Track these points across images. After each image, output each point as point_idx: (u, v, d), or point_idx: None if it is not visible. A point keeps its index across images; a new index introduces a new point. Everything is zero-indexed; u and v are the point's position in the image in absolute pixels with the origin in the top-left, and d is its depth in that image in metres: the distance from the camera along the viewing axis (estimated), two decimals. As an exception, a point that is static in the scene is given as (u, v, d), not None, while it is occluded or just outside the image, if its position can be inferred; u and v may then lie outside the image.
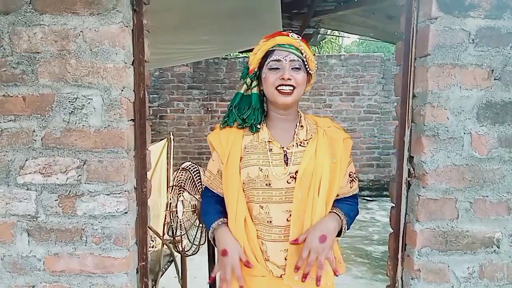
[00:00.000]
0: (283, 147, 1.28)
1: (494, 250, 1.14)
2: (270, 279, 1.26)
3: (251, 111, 1.30)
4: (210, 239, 1.34)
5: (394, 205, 1.23)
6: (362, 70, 6.32)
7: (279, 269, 1.25)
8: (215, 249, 2.15)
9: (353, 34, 5.17)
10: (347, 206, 1.31)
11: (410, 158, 1.17)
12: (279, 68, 1.24)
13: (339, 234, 1.28)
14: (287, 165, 1.25)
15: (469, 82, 1.09)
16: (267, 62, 1.26)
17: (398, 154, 1.20)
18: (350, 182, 1.35)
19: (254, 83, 1.32)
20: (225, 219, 1.30)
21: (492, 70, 1.09)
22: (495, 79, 1.09)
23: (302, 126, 1.32)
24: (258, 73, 1.31)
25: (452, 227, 1.13)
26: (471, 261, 1.15)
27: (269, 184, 1.24)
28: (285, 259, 1.24)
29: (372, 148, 6.44)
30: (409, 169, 1.17)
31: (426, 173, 1.11)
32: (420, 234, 1.14)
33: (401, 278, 1.21)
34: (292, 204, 1.23)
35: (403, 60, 1.16)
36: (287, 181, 1.24)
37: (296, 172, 1.24)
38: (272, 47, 1.26)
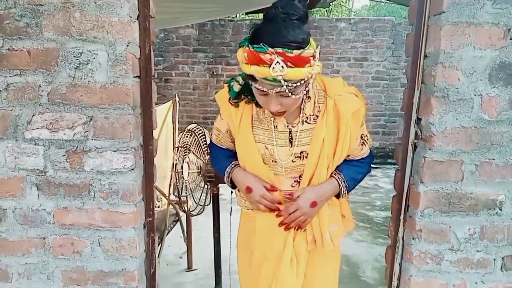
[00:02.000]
0: (288, 125, 1.25)
1: (496, 212, 1.15)
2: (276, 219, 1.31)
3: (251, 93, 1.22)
4: (226, 183, 1.40)
5: (399, 167, 1.23)
6: (372, 35, 6.15)
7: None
8: (219, 209, 2.20)
9: (364, -4, 4.98)
10: (353, 169, 1.32)
11: (418, 120, 1.16)
12: (267, 94, 1.09)
13: (338, 196, 1.32)
14: (291, 145, 1.25)
15: (483, 42, 1.05)
16: (252, 83, 1.11)
17: (405, 116, 1.18)
18: (361, 145, 1.33)
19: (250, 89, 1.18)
20: (237, 161, 1.36)
21: (509, 29, 1.05)
22: (511, 39, 1.05)
23: (309, 97, 1.23)
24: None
25: (456, 189, 1.14)
26: (472, 223, 1.16)
27: (275, 161, 1.28)
28: (292, 186, 1.32)
29: (379, 115, 6.39)
30: (416, 131, 1.16)
31: (434, 135, 1.10)
32: (424, 196, 1.14)
33: (402, 238, 1.23)
34: (297, 173, 1.29)
35: (416, 18, 1.12)
36: (292, 160, 1.27)
37: (301, 152, 1.25)
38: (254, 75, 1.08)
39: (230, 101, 1.27)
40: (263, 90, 1.08)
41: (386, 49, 6.16)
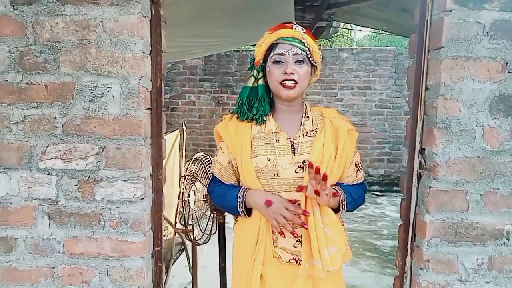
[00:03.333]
0: (289, 138, 1.31)
1: (504, 242, 1.15)
2: (279, 263, 1.29)
3: (258, 102, 1.33)
4: (240, 210, 1.31)
5: (404, 197, 1.24)
6: (374, 64, 6.27)
7: (287, 254, 1.29)
8: (225, 238, 2.18)
9: (367, 27, 5.13)
10: (349, 187, 1.34)
11: (422, 150, 1.18)
12: (282, 62, 1.26)
13: (337, 210, 1.31)
14: (294, 155, 1.28)
15: (482, 75, 1.09)
16: (271, 55, 1.28)
17: (409, 146, 1.21)
18: (356, 172, 1.38)
19: (260, 74, 1.34)
20: (246, 188, 1.32)
21: (506, 63, 1.09)
22: (509, 72, 1.09)
23: (308, 117, 1.35)
24: (263, 65, 1.33)
25: (462, 218, 1.15)
26: (480, 253, 1.16)
27: (277, 174, 1.28)
28: (294, 246, 1.28)
29: (383, 143, 6.41)
30: (420, 161, 1.18)
31: (437, 164, 1.12)
32: (430, 225, 1.15)
33: (410, 268, 1.22)
34: (293, 193, 1.27)
35: (416, 52, 1.17)
36: (295, 171, 1.28)
37: (304, 161, 1.27)
38: (275, 40, 1.27)
39: (237, 114, 1.35)
40: (282, 54, 1.25)
41: (388, 78, 6.26)
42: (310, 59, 1.28)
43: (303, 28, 1.29)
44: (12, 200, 1.20)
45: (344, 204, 1.29)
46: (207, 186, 1.37)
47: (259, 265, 1.28)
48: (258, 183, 1.29)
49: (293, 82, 1.25)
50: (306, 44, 1.26)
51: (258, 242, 1.29)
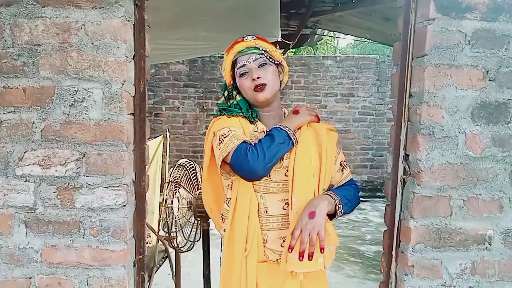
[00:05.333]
0: None
1: (486, 247, 1.17)
2: (269, 264, 1.31)
3: (247, 113, 1.35)
4: (294, 139, 1.27)
5: (389, 202, 1.25)
6: (357, 72, 6.37)
7: (274, 254, 1.30)
8: (209, 245, 2.15)
9: (350, 35, 5.21)
10: (342, 190, 1.36)
11: (406, 156, 1.19)
12: (247, 72, 1.31)
13: (334, 215, 1.30)
14: (282, 159, 1.29)
15: (464, 83, 1.11)
16: (236, 72, 1.35)
17: (393, 152, 1.22)
18: (341, 171, 1.40)
19: (235, 92, 1.38)
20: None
21: (487, 71, 1.11)
22: (489, 80, 1.12)
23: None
24: (234, 84, 1.38)
25: (445, 224, 1.16)
26: (463, 258, 1.17)
27: (269, 176, 1.29)
28: (282, 246, 1.29)
29: (366, 149, 6.49)
30: (404, 167, 1.19)
31: (421, 171, 1.13)
32: (415, 231, 1.16)
33: (395, 274, 1.23)
34: (287, 193, 1.28)
35: (400, 60, 1.18)
36: (285, 174, 1.29)
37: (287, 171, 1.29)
38: (234, 57, 1.35)
39: (225, 113, 1.35)
40: (244, 65, 1.30)
41: (371, 86, 6.37)
42: (271, 59, 1.33)
43: (253, 35, 1.36)
44: (-14, 208, 1.15)
45: (340, 207, 1.29)
46: (241, 153, 1.22)
47: (254, 262, 1.28)
48: (251, 186, 1.29)
49: (262, 85, 1.30)
50: (261, 48, 1.32)
51: (248, 240, 1.29)
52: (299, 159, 1.27)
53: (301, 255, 1.19)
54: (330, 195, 1.29)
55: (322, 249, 1.21)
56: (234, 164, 1.24)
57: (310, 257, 1.19)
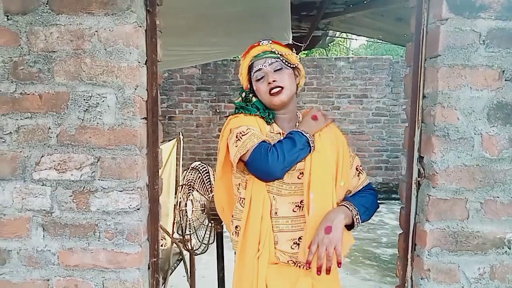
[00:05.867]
0: None
1: (505, 251, 1.14)
2: (280, 265, 1.31)
3: (264, 113, 1.36)
4: (312, 142, 1.27)
5: (403, 205, 1.23)
6: (370, 73, 6.30)
7: (285, 256, 1.30)
8: (223, 247, 2.15)
9: (362, 36, 5.17)
10: (359, 198, 1.35)
11: (420, 158, 1.17)
12: (264, 76, 1.33)
13: (352, 226, 1.30)
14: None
15: (479, 83, 1.09)
16: (252, 76, 1.36)
17: (408, 154, 1.20)
18: (357, 175, 1.40)
19: (251, 95, 1.40)
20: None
21: (503, 71, 1.09)
22: (506, 80, 1.09)
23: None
24: (251, 88, 1.40)
25: (462, 227, 1.13)
26: (481, 262, 1.14)
27: (283, 178, 1.29)
28: (291, 248, 1.30)
29: (381, 150, 6.42)
30: (419, 169, 1.17)
31: (436, 173, 1.11)
32: (430, 234, 1.14)
33: (411, 278, 1.21)
34: (298, 196, 1.29)
35: (413, 61, 1.17)
36: (298, 177, 1.29)
37: (301, 173, 1.28)
38: (250, 62, 1.36)
39: (244, 112, 1.36)
40: (260, 69, 1.32)
41: (385, 86, 6.29)
42: (287, 63, 1.34)
43: (269, 40, 1.37)
44: (5, 211, 1.18)
45: (358, 218, 1.29)
46: (261, 153, 1.21)
47: (265, 263, 1.28)
48: (265, 188, 1.29)
49: (278, 88, 1.30)
50: (277, 52, 1.33)
51: (261, 242, 1.29)
52: (316, 164, 1.27)
53: (318, 270, 1.20)
54: (347, 207, 1.28)
55: (339, 264, 1.22)
56: (252, 162, 1.23)
57: (328, 271, 1.21)
